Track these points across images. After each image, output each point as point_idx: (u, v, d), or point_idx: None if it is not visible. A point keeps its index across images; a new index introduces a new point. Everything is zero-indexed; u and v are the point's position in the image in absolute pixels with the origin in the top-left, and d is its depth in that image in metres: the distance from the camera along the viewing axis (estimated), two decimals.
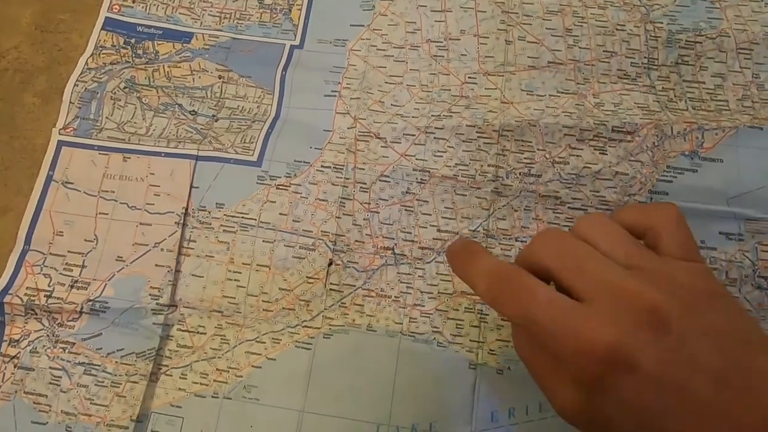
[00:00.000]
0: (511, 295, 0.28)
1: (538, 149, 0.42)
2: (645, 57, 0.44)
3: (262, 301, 0.40)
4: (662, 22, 0.45)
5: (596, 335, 0.25)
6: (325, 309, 0.40)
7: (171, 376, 0.39)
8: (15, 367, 0.38)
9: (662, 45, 0.44)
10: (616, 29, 0.45)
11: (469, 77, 0.45)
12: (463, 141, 0.43)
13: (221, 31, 0.48)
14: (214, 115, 0.45)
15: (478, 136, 0.43)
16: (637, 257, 0.28)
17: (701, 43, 0.44)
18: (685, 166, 0.41)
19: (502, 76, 0.44)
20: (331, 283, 0.40)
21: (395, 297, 0.40)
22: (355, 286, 0.40)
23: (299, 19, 0.48)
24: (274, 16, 0.48)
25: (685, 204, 0.39)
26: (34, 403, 0.38)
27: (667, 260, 0.29)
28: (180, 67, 0.46)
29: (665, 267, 0.28)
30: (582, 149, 0.42)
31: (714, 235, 0.39)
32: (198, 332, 0.40)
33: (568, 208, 0.41)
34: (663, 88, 0.43)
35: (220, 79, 0.46)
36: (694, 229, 0.38)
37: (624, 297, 0.25)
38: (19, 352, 0.39)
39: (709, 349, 0.25)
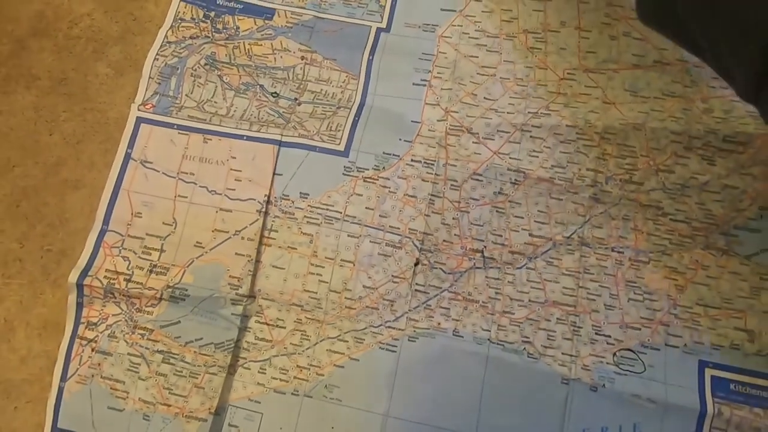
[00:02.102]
0: None
1: (641, 155, 0.40)
2: None
3: (345, 297, 0.38)
4: None
5: None
6: (409, 310, 0.38)
7: (249, 369, 0.38)
8: (93, 350, 0.37)
9: None
10: None
11: (568, 73, 0.42)
12: (561, 142, 0.40)
13: (304, 8, 0.45)
14: (296, 99, 0.43)
15: (578, 138, 0.40)
16: None
17: None
18: None
19: (604, 73, 0.42)
20: (416, 284, 0.39)
21: (483, 302, 0.38)
22: (441, 288, 0.38)
23: (386, 0, 0.45)
24: None
25: None
26: (111, 388, 0.37)
27: None
28: (261, 45, 0.44)
29: None
30: (689, 158, 0.39)
31: None
32: (277, 326, 0.38)
33: (670, 219, 0.39)
34: None
35: (303, 60, 0.44)
36: None
37: None
38: (97, 336, 0.38)
39: None
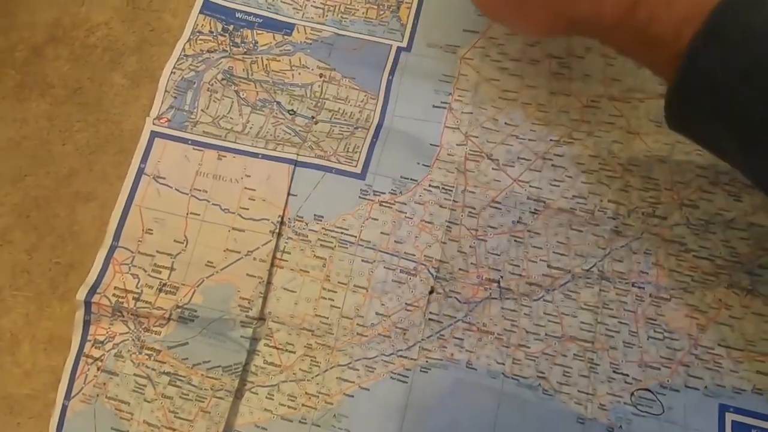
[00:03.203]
0: None
1: (665, 189, 0.39)
2: None
3: (357, 324, 0.38)
4: None
5: None
6: (422, 339, 0.37)
7: (257, 394, 0.37)
8: (98, 369, 0.37)
9: None
10: None
11: (591, 101, 0.41)
12: (583, 172, 0.40)
13: (324, 24, 0.45)
14: (313, 117, 0.42)
15: (600, 168, 0.39)
16: None
17: None
18: None
19: (629, 102, 0.41)
20: (430, 313, 0.38)
21: (498, 334, 0.37)
22: (455, 317, 0.38)
23: (408, 18, 0.45)
24: (381, 13, 0.45)
25: None
26: (116, 409, 0.36)
27: None
28: (279, 60, 0.43)
29: None
30: (715, 193, 0.38)
31: None
32: (287, 350, 0.37)
33: (693, 256, 0.38)
34: None
35: (321, 77, 0.43)
36: None
37: None
38: (103, 355, 0.37)
39: None
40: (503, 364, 0.37)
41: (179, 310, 0.37)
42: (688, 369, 0.36)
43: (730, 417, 0.35)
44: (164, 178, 0.40)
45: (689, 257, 0.38)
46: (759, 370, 0.35)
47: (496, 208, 0.39)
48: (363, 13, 0.45)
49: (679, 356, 0.36)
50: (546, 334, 0.37)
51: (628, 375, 0.36)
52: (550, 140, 0.40)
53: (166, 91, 0.42)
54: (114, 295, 0.38)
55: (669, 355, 0.36)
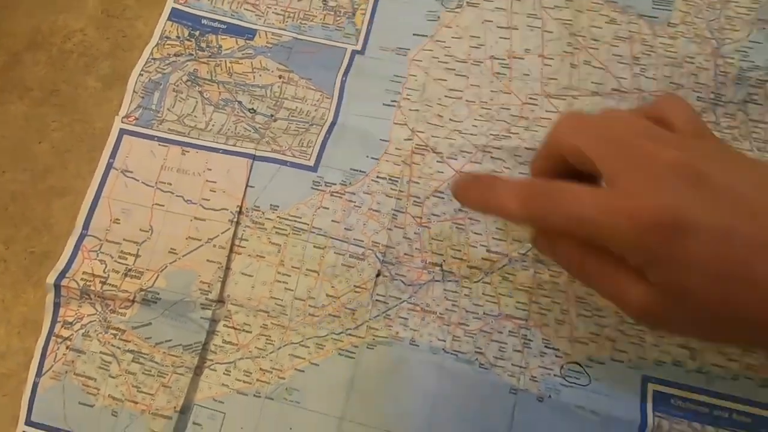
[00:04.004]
0: (552, 203, 0.28)
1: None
2: (712, 92, 0.43)
3: (309, 305, 0.40)
4: (733, 58, 0.44)
5: (646, 204, 0.25)
6: (369, 319, 0.40)
7: (215, 371, 0.39)
8: (67, 348, 0.39)
9: (731, 81, 0.43)
10: (685, 61, 0.44)
11: (530, 98, 0.44)
12: (520, 163, 0.43)
13: (284, 30, 0.48)
14: (272, 115, 0.45)
15: None
16: (657, 132, 0.29)
17: None
18: None
19: (565, 99, 0.44)
20: (377, 294, 0.41)
21: (440, 314, 0.40)
22: (401, 299, 0.40)
23: (362, 24, 0.48)
24: (338, 19, 0.48)
25: None
26: (83, 385, 0.39)
27: (685, 135, 0.30)
28: (242, 63, 0.47)
29: (685, 139, 0.29)
30: None
31: None
32: (244, 330, 0.40)
33: None
34: (728, 125, 0.42)
35: (280, 78, 0.46)
36: None
37: (658, 162, 0.26)
38: (72, 335, 0.40)
39: (752, 187, 0.26)
40: (444, 341, 0.39)
41: (143, 293, 0.40)
42: (614, 344, 0.39)
43: (651, 387, 0.38)
44: (132, 172, 0.43)
45: None
46: (679, 344, 0.38)
47: (439, 197, 0.42)
48: (321, 19, 0.48)
49: (606, 332, 0.39)
50: (484, 313, 0.40)
51: (558, 350, 0.39)
52: (491, 134, 0.43)
53: (134, 92, 0.45)
54: (82, 279, 0.40)
55: (597, 331, 0.39)
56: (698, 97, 0.43)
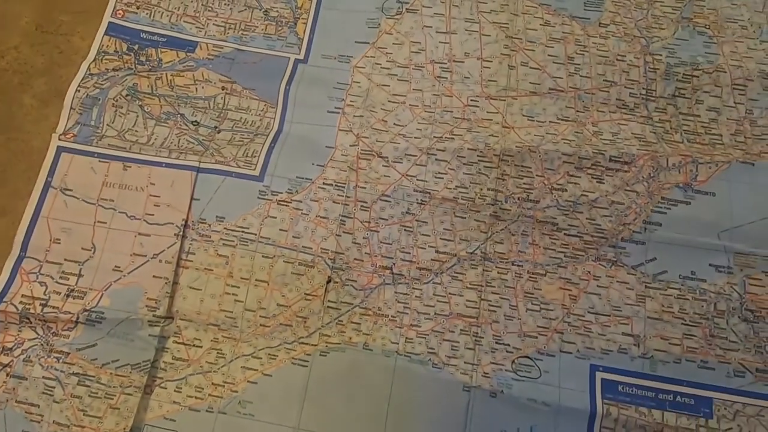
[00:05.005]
0: None
1: (537, 175, 0.43)
2: (643, 88, 0.45)
3: (260, 316, 0.40)
4: (661, 55, 0.46)
5: None
6: (322, 326, 0.40)
7: (165, 388, 0.39)
8: (7, 375, 0.38)
9: (660, 77, 0.45)
10: (617, 59, 0.46)
11: (471, 100, 0.45)
12: (464, 164, 0.43)
13: (226, 41, 0.48)
14: (216, 127, 0.45)
15: (479, 160, 0.43)
16: None
17: (698, 77, 0.45)
18: (679, 198, 0.42)
19: (504, 100, 0.45)
20: (329, 301, 0.40)
21: (392, 316, 0.40)
22: (352, 304, 0.40)
23: (304, 33, 0.48)
24: (280, 29, 0.48)
25: (678, 236, 0.41)
26: (26, 412, 0.37)
27: None
28: (183, 76, 0.46)
29: None
30: (580, 177, 0.43)
31: (704, 267, 0.40)
32: (194, 345, 0.40)
33: (565, 234, 0.42)
34: (660, 119, 0.44)
35: (223, 90, 0.46)
36: (685, 260, 0.39)
37: None
38: (12, 361, 0.38)
39: None
40: (397, 343, 0.40)
41: (87, 313, 0.39)
42: (562, 336, 0.39)
43: (599, 375, 0.39)
44: (71, 190, 0.42)
45: (561, 236, 0.42)
46: (624, 332, 0.39)
47: (386, 201, 0.43)
48: (263, 30, 0.48)
49: (554, 325, 0.40)
50: (435, 314, 0.40)
51: (509, 345, 0.39)
52: (434, 137, 0.44)
53: (71, 108, 0.44)
54: (21, 302, 0.39)
55: (545, 325, 0.40)
56: (630, 93, 0.45)
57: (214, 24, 0.48)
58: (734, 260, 0.40)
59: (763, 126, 0.44)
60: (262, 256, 0.41)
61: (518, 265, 0.41)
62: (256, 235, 0.41)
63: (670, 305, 0.40)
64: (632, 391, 0.38)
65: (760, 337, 0.39)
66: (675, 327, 0.39)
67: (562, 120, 0.44)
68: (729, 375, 0.38)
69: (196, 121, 0.45)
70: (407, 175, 0.43)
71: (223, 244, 0.41)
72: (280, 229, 0.42)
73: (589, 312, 0.40)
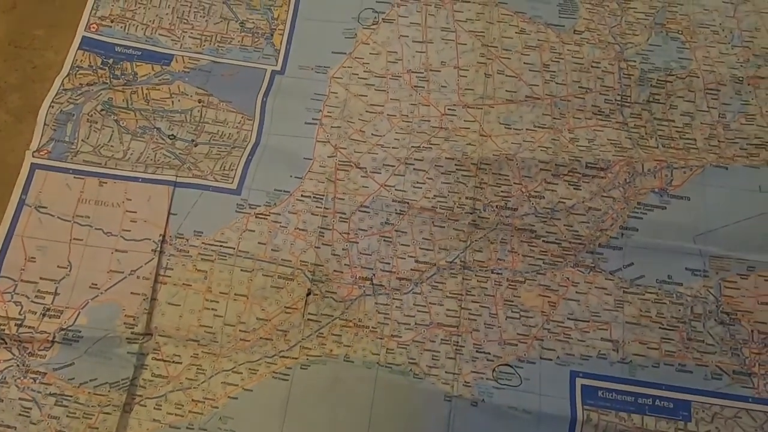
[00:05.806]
0: None
1: (514, 183, 0.43)
2: (618, 94, 0.45)
3: (240, 330, 0.40)
4: (635, 61, 0.46)
5: None
6: (302, 339, 0.40)
7: (145, 406, 0.38)
8: None
9: (635, 83, 0.46)
10: (592, 66, 0.46)
11: (448, 109, 0.45)
12: (442, 173, 0.43)
13: (202, 54, 0.47)
14: (193, 140, 0.45)
15: (457, 169, 0.43)
16: None
17: (671, 82, 0.46)
18: (655, 203, 0.42)
19: (481, 108, 0.45)
20: (309, 313, 0.40)
21: (372, 327, 0.40)
22: (333, 316, 0.40)
23: (281, 44, 0.48)
24: (256, 40, 0.48)
25: (654, 240, 0.41)
26: None
27: None
28: (159, 89, 0.46)
29: None
30: (557, 184, 0.43)
31: (680, 270, 0.41)
32: (173, 362, 0.39)
33: (543, 241, 0.42)
34: (635, 125, 0.45)
35: (199, 103, 0.46)
36: (662, 265, 0.40)
37: None
38: None
39: None
40: (378, 354, 0.40)
41: (63, 332, 0.39)
42: (542, 342, 0.40)
43: (580, 381, 0.39)
44: (46, 208, 0.42)
45: (539, 243, 0.42)
46: (602, 338, 0.40)
47: (365, 212, 0.43)
48: (239, 41, 0.48)
49: (534, 332, 0.40)
50: (416, 324, 0.40)
51: (489, 353, 0.39)
52: (412, 147, 0.44)
53: (45, 124, 0.44)
54: None
55: (525, 332, 0.40)
56: (606, 99, 0.45)
57: (189, 36, 0.48)
58: (710, 263, 0.41)
59: (735, 130, 0.44)
60: (241, 270, 0.41)
61: (497, 273, 0.41)
62: (234, 249, 0.41)
63: (648, 310, 0.40)
64: (612, 396, 0.38)
65: (736, 340, 0.39)
66: (653, 331, 0.39)
67: (538, 127, 0.45)
68: (707, 378, 0.38)
69: (172, 135, 0.45)
70: (386, 185, 0.43)
71: (202, 258, 0.41)
72: (259, 243, 0.41)
73: (568, 318, 0.40)
